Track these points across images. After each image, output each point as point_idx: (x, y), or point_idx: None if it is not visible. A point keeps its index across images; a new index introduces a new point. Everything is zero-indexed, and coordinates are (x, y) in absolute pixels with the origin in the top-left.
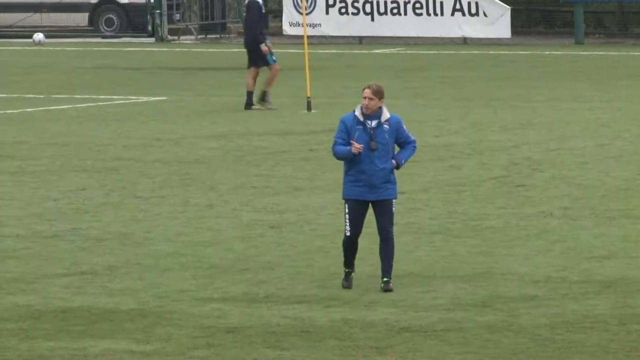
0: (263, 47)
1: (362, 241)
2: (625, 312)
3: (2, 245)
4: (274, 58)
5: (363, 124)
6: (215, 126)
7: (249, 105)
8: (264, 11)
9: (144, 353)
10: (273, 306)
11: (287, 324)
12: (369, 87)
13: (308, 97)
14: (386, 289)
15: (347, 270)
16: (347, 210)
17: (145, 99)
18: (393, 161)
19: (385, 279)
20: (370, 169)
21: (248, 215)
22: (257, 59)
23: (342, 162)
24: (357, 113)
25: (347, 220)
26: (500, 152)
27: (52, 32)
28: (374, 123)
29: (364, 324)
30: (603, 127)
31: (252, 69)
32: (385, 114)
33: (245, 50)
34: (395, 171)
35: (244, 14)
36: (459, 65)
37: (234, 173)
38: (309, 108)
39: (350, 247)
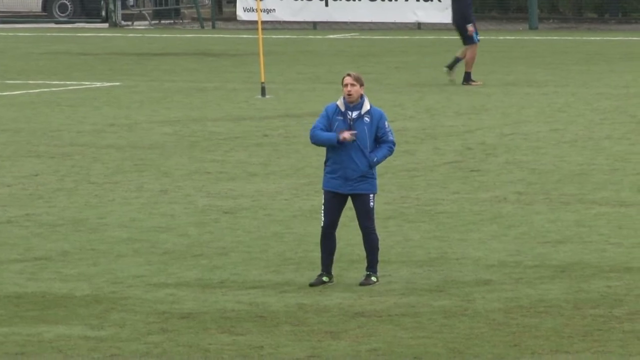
0: (469, 27)
1: (314, 229)
2: (580, 297)
3: None
4: (478, 38)
5: (344, 114)
6: (169, 111)
7: (466, 80)
8: None
9: (98, 338)
10: (227, 291)
11: (241, 309)
12: (348, 75)
13: (262, 83)
14: (361, 283)
15: (320, 274)
16: (323, 201)
17: (99, 84)
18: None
19: (366, 273)
20: (346, 161)
21: (202, 201)
22: (464, 37)
23: (299, 148)
24: (339, 103)
25: (322, 210)
26: (454, 137)
27: (5, 18)
28: (354, 114)
29: (318, 309)
30: (557, 112)
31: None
32: (366, 106)
33: (456, 29)
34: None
35: None
36: (413, 50)
37: (188, 158)
38: (263, 93)
39: (324, 240)
